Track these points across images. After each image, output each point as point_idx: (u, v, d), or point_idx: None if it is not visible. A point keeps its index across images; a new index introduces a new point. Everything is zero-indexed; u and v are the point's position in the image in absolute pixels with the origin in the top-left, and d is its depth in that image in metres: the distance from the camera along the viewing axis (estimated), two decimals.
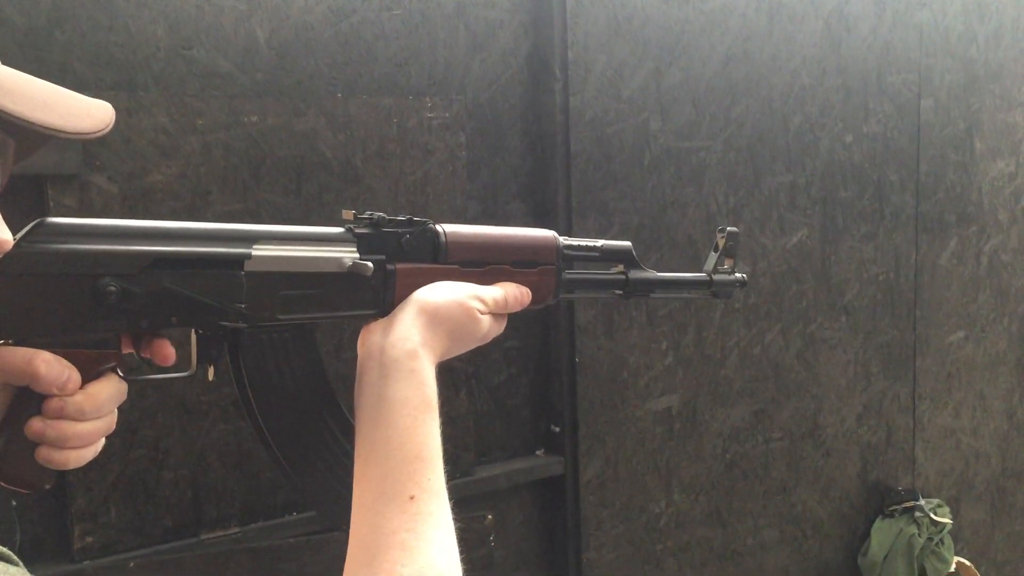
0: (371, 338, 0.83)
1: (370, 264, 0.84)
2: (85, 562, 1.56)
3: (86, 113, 0.67)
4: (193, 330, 0.80)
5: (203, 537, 1.66)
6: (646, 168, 2.14)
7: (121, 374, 0.76)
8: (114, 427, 0.75)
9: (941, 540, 2.71)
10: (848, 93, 2.49)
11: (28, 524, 1.55)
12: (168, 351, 0.78)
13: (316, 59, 1.72)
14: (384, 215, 0.88)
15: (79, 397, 0.71)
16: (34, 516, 1.56)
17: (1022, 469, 3.12)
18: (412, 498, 0.73)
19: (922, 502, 2.71)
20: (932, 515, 2.70)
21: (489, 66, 1.94)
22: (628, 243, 1.07)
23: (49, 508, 1.57)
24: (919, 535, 2.66)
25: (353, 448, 0.79)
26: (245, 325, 0.81)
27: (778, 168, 2.37)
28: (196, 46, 1.60)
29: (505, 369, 2.05)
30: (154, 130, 1.55)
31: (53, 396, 0.70)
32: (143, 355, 0.78)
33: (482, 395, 2.01)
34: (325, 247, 0.84)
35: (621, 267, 1.07)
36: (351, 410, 0.82)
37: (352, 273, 0.84)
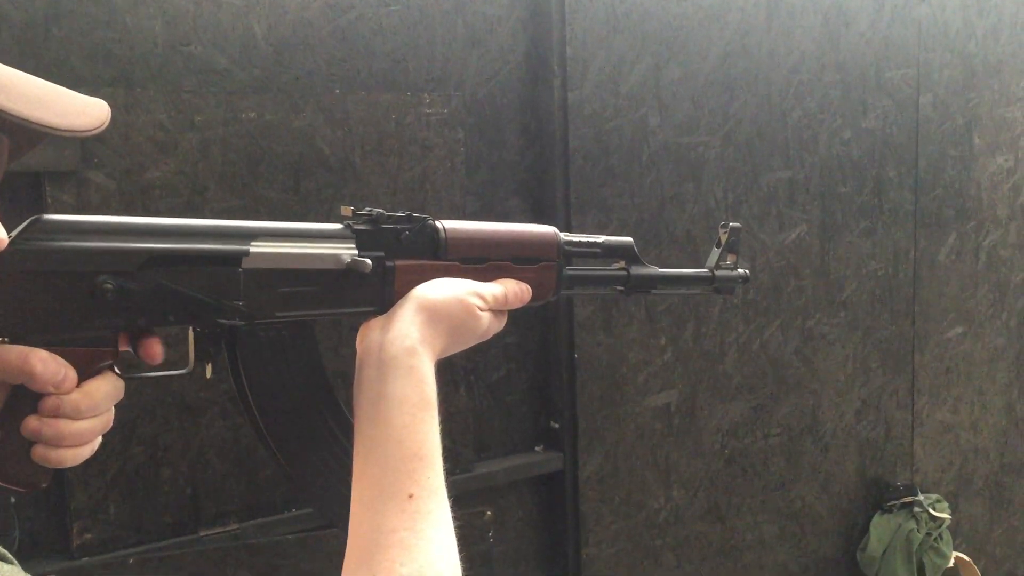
0: (370, 335, 0.83)
1: (369, 261, 0.84)
2: (84, 559, 1.56)
3: (82, 111, 0.66)
4: (191, 328, 0.80)
5: (202, 534, 1.66)
6: (645, 164, 2.13)
7: (118, 372, 0.75)
8: (111, 425, 0.75)
9: (940, 535, 2.71)
10: (847, 88, 2.48)
11: (27, 521, 1.55)
12: (155, 350, 0.77)
13: (314, 55, 1.71)
14: (383, 211, 0.88)
15: (75, 395, 0.70)
16: (33, 513, 1.56)
17: (1020, 464, 3.12)
18: (411, 497, 0.73)
19: (921, 497, 2.71)
20: (931, 510, 2.71)
21: (487, 62, 1.94)
22: (630, 239, 1.06)
23: (48, 505, 1.57)
24: (918, 530, 2.67)
25: (352, 446, 0.79)
26: (243, 322, 0.80)
27: (777, 164, 2.37)
28: (194, 42, 1.60)
29: (504, 365, 2.05)
30: (152, 126, 1.55)
31: (49, 394, 0.69)
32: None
33: (481, 391, 2.00)
34: (323, 244, 0.84)
35: (622, 263, 1.07)
36: (350, 408, 0.82)
37: (351, 270, 0.84)
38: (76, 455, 0.72)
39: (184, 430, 1.63)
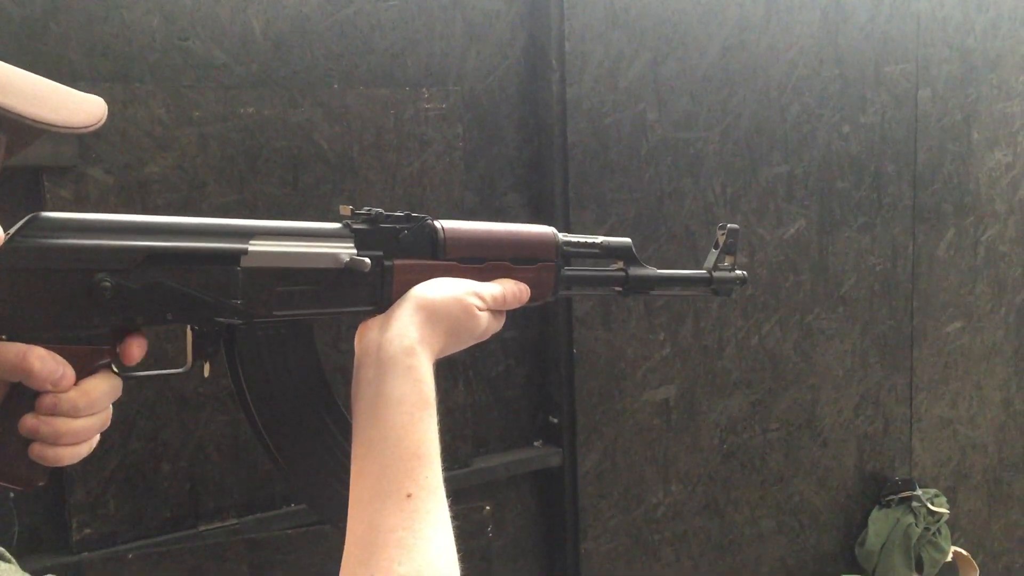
0: (368, 334, 0.82)
1: (367, 260, 0.83)
2: (83, 554, 1.56)
3: (79, 107, 0.66)
4: (189, 326, 0.80)
5: (201, 528, 1.66)
6: (643, 159, 2.13)
7: (116, 370, 0.75)
8: (109, 423, 0.75)
9: (938, 530, 2.72)
10: (845, 83, 2.48)
11: (26, 516, 1.55)
12: (134, 352, 0.75)
13: (312, 50, 1.71)
14: (382, 210, 0.87)
15: (73, 393, 0.70)
16: (32, 508, 1.56)
17: (1019, 459, 3.12)
18: (409, 496, 0.73)
19: (919, 492, 2.72)
20: (929, 505, 2.71)
21: (486, 57, 1.94)
22: (628, 240, 1.06)
23: (47, 500, 1.57)
24: (916, 525, 2.67)
25: (350, 445, 0.79)
26: (241, 321, 0.80)
27: (775, 159, 2.37)
28: (192, 37, 1.59)
29: (503, 360, 2.05)
30: (150, 122, 1.55)
31: (47, 392, 0.69)
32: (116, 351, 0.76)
33: (480, 386, 2.01)
34: (322, 243, 0.84)
35: (621, 264, 1.07)
36: (348, 407, 0.82)
37: (349, 269, 0.83)
38: (74, 453, 0.72)
39: (183, 425, 1.63)
